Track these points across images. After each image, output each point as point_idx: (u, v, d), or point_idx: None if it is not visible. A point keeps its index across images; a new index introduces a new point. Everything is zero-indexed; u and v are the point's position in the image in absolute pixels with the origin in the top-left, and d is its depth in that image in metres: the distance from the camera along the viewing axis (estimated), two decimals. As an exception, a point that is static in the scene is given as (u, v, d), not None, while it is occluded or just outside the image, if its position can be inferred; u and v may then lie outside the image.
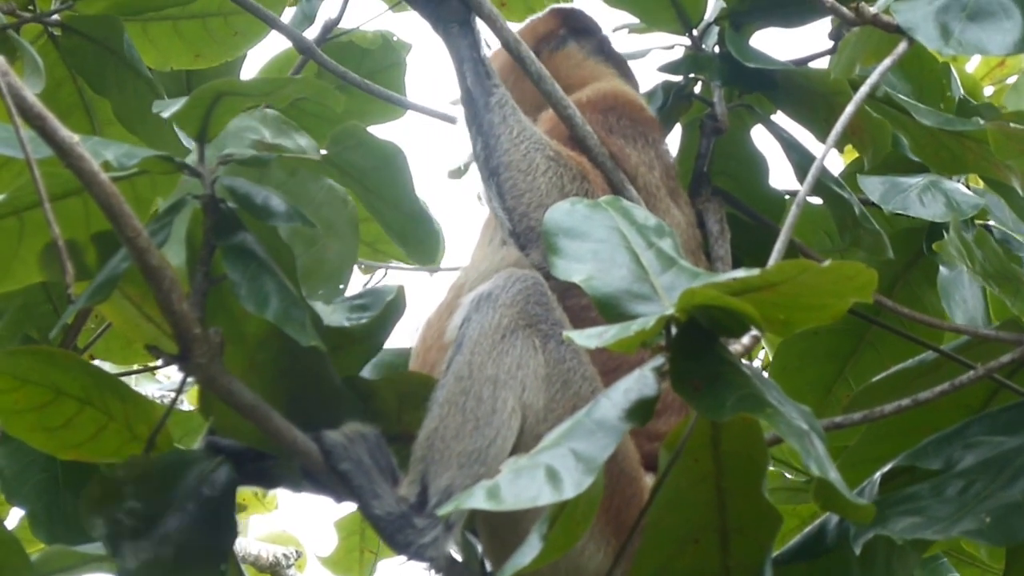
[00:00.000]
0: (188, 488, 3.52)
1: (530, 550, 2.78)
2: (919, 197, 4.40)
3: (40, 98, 3.19)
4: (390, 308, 3.65)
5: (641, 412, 2.85)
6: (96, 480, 3.49)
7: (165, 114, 3.36)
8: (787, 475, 5.11)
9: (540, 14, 4.42)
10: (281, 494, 7.75)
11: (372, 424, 3.50)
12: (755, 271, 2.74)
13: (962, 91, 4.50)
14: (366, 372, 3.75)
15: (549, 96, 3.83)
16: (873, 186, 4.38)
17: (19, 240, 3.62)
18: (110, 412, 3.59)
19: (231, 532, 3.55)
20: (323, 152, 3.61)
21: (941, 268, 4.51)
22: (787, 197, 4.36)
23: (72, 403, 3.57)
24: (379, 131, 3.85)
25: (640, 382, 2.89)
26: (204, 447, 3.63)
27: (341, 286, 3.70)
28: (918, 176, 4.38)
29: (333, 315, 3.58)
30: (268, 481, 3.68)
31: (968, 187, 4.47)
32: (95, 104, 4.68)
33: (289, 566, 7.33)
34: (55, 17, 4.56)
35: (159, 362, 3.45)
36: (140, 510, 3.48)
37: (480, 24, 3.84)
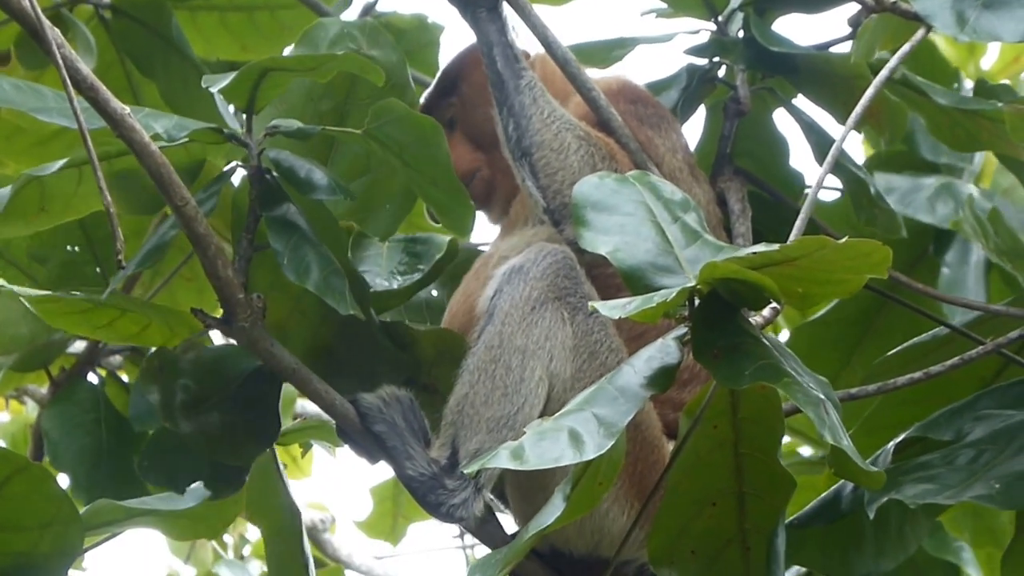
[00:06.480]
0: (238, 375, 3.65)
1: (553, 510, 2.88)
2: (930, 201, 4.51)
3: (89, 77, 3.33)
4: (441, 263, 3.77)
5: (662, 379, 2.93)
6: (156, 352, 3.65)
7: (214, 88, 3.46)
8: (803, 450, 5.22)
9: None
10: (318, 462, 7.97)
11: (405, 387, 3.63)
12: (775, 246, 2.82)
13: (972, 86, 4.60)
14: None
15: (575, 79, 3.89)
16: (889, 186, 4.49)
17: (77, 183, 3.73)
18: (149, 317, 3.71)
19: (276, 422, 3.71)
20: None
21: (944, 271, 4.61)
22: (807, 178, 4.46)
23: (112, 311, 3.69)
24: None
25: (662, 351, 2.97)
26: None
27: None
28: (931, 177, 4.48)
29: (383, 271, 3.68)
30: None
31: (979, 187, 4.58)
32: (142, 87, 4.79)
33: (324, 530, 7.47)
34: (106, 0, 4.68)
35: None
36: (192, 387, 3.62)
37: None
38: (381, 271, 3.73)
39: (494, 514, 3.72)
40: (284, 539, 3.85)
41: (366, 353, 3.70)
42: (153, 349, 3.69)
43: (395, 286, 3.71)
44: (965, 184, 4.51)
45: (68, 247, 4.55)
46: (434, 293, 4.15)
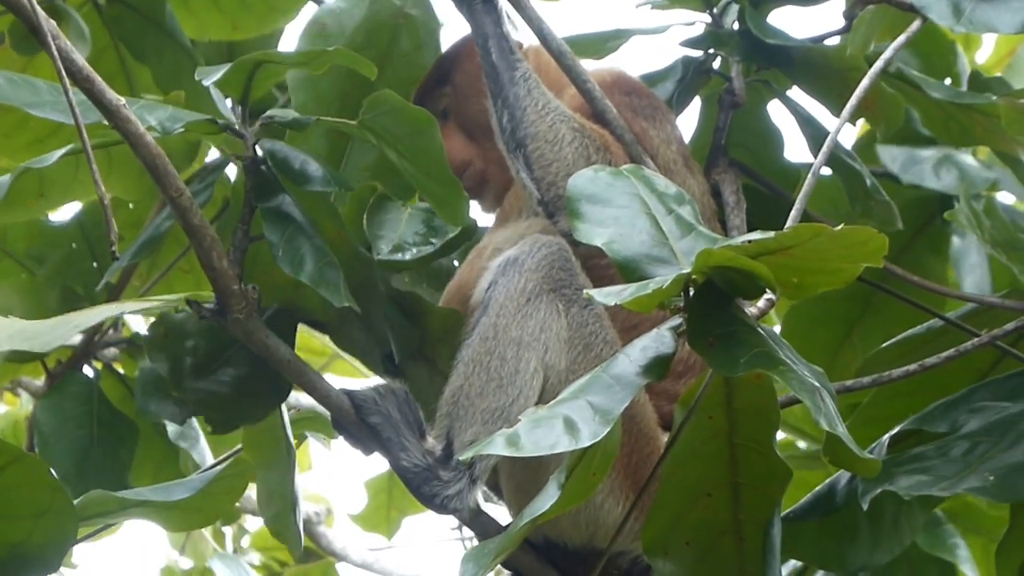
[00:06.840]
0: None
1: (548, 498, 2.88)
2: (934, 170, 4.51)
3: (83, 64, 3.33)
4: (455, 240, 3.81)
5: (657, 368, 2.94)
6: (159, 319, 3.65)
7: (208, 80, 3.47)
8: (800, 444, 5.22)
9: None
10: (315, 456, 8.03)
11: (401, 381, 3.63)
12: (770, 234, 2.81)
13: (968, 68, 4.60)
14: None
15: (570, 71, 3.90)
16: (892, 156, 4.48)
17: (76, 168, 3.72)
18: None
19: (286, 384, 3.70)
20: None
21: (954, 238, 4.61)
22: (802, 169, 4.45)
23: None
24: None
25: (657, 340, 2.98)
26: None
27: None
28: (932, 148, 4.48)
29: (397, 238, 3.68)
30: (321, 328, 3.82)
31: (977, 159, 4.58)
32: (135, 72, 4.82)
33: (319, 523, 7.49)
34: (100, -14, 4.71)
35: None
36: (202, 347, 3.63)
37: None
38: (395, 239, 3.74)
39: (485, 508, 3.71)
40: (277, 471, 3.87)
41: (379, 317, 3.71)
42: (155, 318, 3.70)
43: (407, 258, 3.72)
44: (963, 154, 4.51)
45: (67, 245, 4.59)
46: (456, 263, 4.15)
